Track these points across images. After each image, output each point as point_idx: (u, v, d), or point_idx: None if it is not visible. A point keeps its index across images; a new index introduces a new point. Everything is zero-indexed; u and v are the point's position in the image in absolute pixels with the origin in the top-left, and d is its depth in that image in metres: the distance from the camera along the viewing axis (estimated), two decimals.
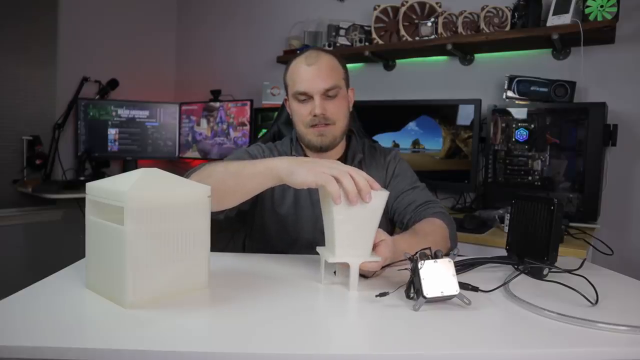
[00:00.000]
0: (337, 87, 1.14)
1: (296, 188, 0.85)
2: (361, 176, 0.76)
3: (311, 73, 1.12)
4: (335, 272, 0.86)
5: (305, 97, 1.13)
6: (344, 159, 1.23)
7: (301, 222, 1.17)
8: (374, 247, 0.82)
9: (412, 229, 1.05)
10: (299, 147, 1.23)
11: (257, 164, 0.90)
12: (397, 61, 2.45)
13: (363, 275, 0.84)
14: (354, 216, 0.76)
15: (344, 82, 1.18)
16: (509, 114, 1.87)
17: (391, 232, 1.28)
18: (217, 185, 0.88)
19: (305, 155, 1.22)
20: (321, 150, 1.18)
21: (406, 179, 1.23)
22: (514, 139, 1.85)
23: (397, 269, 0.83)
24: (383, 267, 0.84)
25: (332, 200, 0.75)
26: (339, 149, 1.24)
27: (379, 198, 0.78)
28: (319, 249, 0.84)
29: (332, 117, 1.14)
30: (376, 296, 0.73)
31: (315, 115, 1.12)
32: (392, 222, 1.25)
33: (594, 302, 0.74)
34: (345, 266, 0.79)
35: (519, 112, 1.85)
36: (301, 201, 1.18)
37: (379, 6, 2.30)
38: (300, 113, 1.15)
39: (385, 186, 1.23)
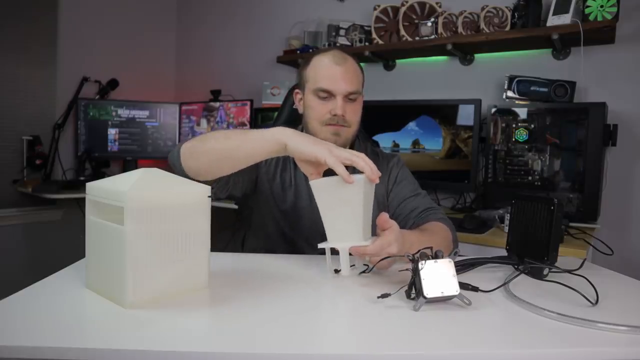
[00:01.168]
0: (358, 92, 1.15)
1: (298, 159, 0.86)
2: (367, 161, 0.81)
3: (339, 73, 1.12)
4: (336, 271, 0.86)
5: (327, 95, 1.12)
6: None
7: (301, 222, 1.17)
8: (383, 232, 0.83)
9: (419, 228, 1.06)
10: None
11: (260, 130, 0.90)
12: (397, 61, 2.45)
13: (367, 265, 0.85)
14: (336, 201, 0.82)
15: (362, 88, 1.20)
16: (509, 114, 1.87)
17: None
18: (218, 145, 0.88)
19: None
20: None
21: (409, 185, 1.23)
22: (514, 139, 1.85)
23: (398, 269, 0.83)
24: (386, 259, 0.82)
25: (345, 180, 0.79)
26: None
27: (356, 184, 0.80)
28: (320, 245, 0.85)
29: (350, 120, 1.14)
30: (378, 297, 0.73)
31: (334, 115, 1.12)
32: None
33: (594, 302, 0.74)
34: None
35: (519, 112, 1.85)
36: (302, 201, 1.18)
37: (379, 6, 2.30)
38: (318, 110, 1.14)
39: (387, 191, 1.23)
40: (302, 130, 1.23)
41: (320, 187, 0.83)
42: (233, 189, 1.12)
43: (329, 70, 1.12)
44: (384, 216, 0.83)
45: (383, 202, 1.23)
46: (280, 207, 1.18)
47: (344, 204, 0.81)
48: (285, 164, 1.22)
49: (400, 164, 1.28)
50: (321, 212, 0.83)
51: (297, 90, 1.23)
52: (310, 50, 2.49)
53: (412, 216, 1.16)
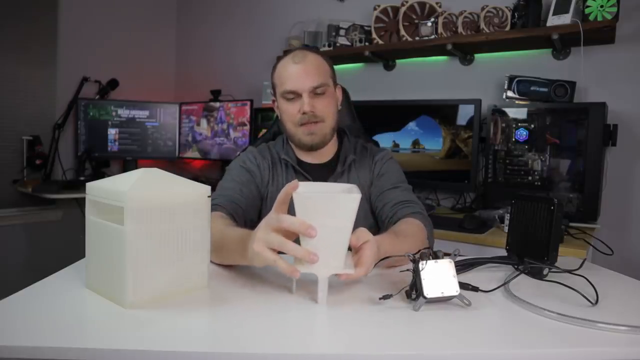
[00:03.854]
0: (324, 85, 1.14)
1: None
2: (290, 222, 0.69)
3: (299, 71, 1.12)
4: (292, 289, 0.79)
5: (294, 95, 1.13)
6: (336, 160, 1.23)
7: None
8: (359, 249, 0.75)
9: (393, 230, 1.01)
10: (289, 149, 1.23)
11: (236, 248, 0.84)
12: (397, 61, 2.45)
13: None
14: (324, 221, 0.68)
15: (332, 80, 1.19)
16: (509, 114, 1.87)
17: (377, 233, 1.28)
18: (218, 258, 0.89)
19: (296, 156, 1.22)
20: (312, 149, 1.19)
21: (390, 179, 1.21)
22: (514, 139, 1.85)
23: (399, 270, 0.83)
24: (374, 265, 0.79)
25: (290, 275, 0.70)
26: (331, 149, 1.24)
27: (350, 204, 0.69)
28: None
29: (321, 115, 1.14)
30: (380, 299, 0.73)
31: (304, 113, 1.12)
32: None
33: (594, 302, 0.74)
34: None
35: (519, 112, 1.85)
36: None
37: (379, 6, 2.30)
38: (289, 112, 1.15)
39: (371, 184, 1.23)
40: (285, 137, 1.25)
41: (305, 203, 0.69)
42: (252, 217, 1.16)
43: (290, 71, 1.14)
44: (354, 239, 0.74)
45: (367, 196, 1.22)
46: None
47: (333, 226, 0.69)
48: (275, 166, 1.22)
49: (386, 158, 1.26)
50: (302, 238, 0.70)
51: (273, 99, 1.24)
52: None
53: (387, 208, 1.14)
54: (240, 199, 1.13)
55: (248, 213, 1.14)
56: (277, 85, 1.19)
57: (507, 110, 1.87)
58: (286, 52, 2.92)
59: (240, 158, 1.24)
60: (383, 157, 1.26)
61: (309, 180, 1.19)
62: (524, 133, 1.83)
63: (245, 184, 1.17)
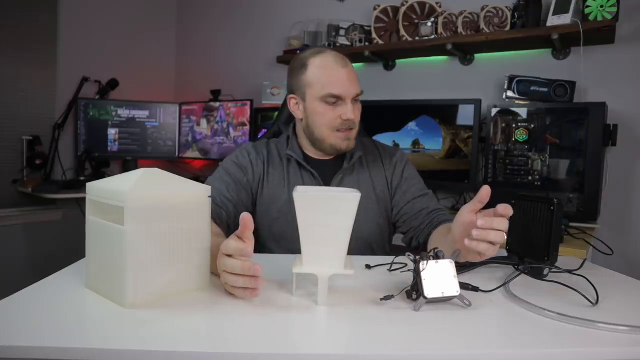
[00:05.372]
0: (361, 93, 1.15)
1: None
2: (229, 248, 0.71)
3: (346, 77, 1.11)
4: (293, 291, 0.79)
5: (336, 99, 1.11)
6: (342, 157, 1.22)
7: (294, 221, 1.16)
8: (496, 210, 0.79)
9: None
10: (295, 144, 1.22)
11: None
12: (397, 61, 2.45)
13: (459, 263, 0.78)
14: (324, 220, 0.70)
15: None
16: (509, 114, 1.87)
17: (390, 237, 1.29)
18: None
19: (304, 154, 1.22)
20: (341, 153, 1.19)
21: (417, 184, 1.24)
22: (514, 139, 1.85)
23: (399, 271, 0.83)
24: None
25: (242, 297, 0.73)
26: None
27: (351, 204, 0.70)
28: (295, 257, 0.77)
29: (356, 122, 1.15)
30: (381, 299, 0.73)
31: (346, 120, 1.11)
32: (394, 225, 1.26)
33: (594, 302, 0.74)
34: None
35: (519, 112, 1.85)
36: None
37: (379, 6, 2.30)
38: (329, 116, 1.12)
39: (389, 187, 1.23)
40: (292, 133, 1.23)
41: (306, 203, 0.70)
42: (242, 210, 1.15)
43: (336, 74, 1.10)
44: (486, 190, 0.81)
45: (384, 199, 1.22)
46: (274, 207, 1.18)
47: (333, 225, 0.70)
48: (271, 162, 1.21)
49: (405, 159, 1.27)
50: (302, 230, 0.72)
51: (292, 96, 1.18)
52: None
53: (422, 215, 1.17)
54: (225, 200, 1.12)
55: (232, 214, 1.12)
56: (313, 85, 1.12)
57: (507, 110, 1.87)
58: (287, 52, 2.91)
59: (235, 154, 1.23)
60: (402, 158, 1.27)
61: (313, 175, 1.19)
62: (524, 133, 1.83)
63: (231, 183, 1.15)
